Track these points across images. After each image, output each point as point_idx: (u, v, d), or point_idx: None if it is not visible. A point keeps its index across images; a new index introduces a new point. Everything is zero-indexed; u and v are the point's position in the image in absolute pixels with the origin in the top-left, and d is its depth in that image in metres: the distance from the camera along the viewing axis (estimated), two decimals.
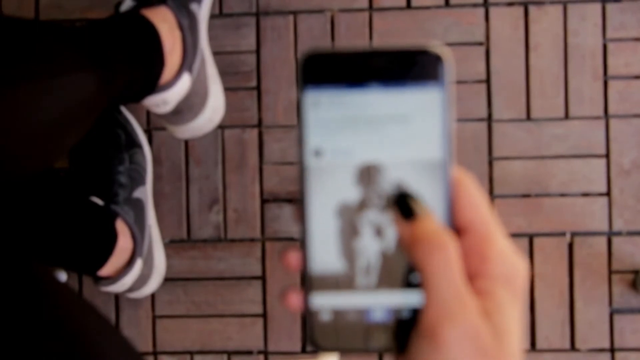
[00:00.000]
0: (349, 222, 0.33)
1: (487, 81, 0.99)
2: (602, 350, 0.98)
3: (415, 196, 0.33)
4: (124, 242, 0.89)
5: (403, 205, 0.32)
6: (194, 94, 0.86)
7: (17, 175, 0.61)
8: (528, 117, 0.98)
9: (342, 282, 0.33)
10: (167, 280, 1.01)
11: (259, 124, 1.00)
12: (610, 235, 0.98)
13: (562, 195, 0.98)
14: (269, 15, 1.00)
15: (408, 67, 0.32)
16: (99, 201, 0.90)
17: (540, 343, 0.98)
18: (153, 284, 0.98)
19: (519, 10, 0.99)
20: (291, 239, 1.00)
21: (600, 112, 0.98)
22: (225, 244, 1.01)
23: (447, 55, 0.32)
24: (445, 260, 0.31)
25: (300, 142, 0.33)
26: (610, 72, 0.98)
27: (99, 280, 0.89)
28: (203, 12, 0.89)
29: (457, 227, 0.33)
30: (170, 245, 1.01)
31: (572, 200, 0.98)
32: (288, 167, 1.00)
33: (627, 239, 0.98)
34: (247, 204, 1.00)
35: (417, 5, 0.99)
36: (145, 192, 0.96)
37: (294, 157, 0.99)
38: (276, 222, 1.00)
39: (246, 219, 1.00)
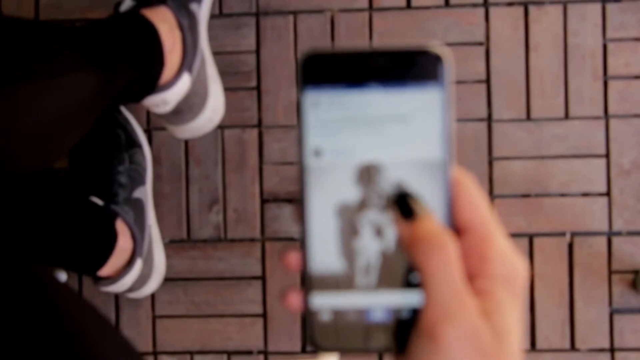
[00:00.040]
0: (349, 222, 0.33)
1: (487, 81, 0.99)
2: (602, 350, 0.98)
3: (415, 196, 0.33)
4: (124, 242, 0.89)
5: (403, 205, 0.32)
6: (193, 94, 0.86)
7: (17, 175, 0.61)
8: (528, 117, 0.98)
9: (342, 282, 0.33)
10: (167, 280, 1.01)
11: (259, 124, 1.00)
12: (610, 235, 0.98)
13: (562, 195, 0.98)
14: (269, 15, 1.00)
15: (408, 67, 0.32)
16: (99, 201, 0.90)
17: (540, 343, 0.98)
18: (153, 284, 0.98)
19: (519, 10, 0.99)
20: (291, 239, 1.00)
21: (600, 112, 0.98)
22: (225, 244, 1.01)
23: (447, 55, 0.32)
24: (445, 260, 0.31)
25: (300, 142, 0.33)
26: (610, 72, 0.98)
27: (99, 280, 0.89)
28: (203, 12, 0.89)
29: (457, 227, 0.33)
30: (170, 245, 1.01)
31: (572, 200, 0.98)
32: (288, 167, 1.00)
33: (627, 239, 0.98)
34: (247, 204, 1.00)
35: (417, 5, 0.99)
36: (145, 192, 0.96)
37: (294, 157, 0.99)
38: (276, 222, 1.00)
39: (246, 219, 1.00)
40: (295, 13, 1.00)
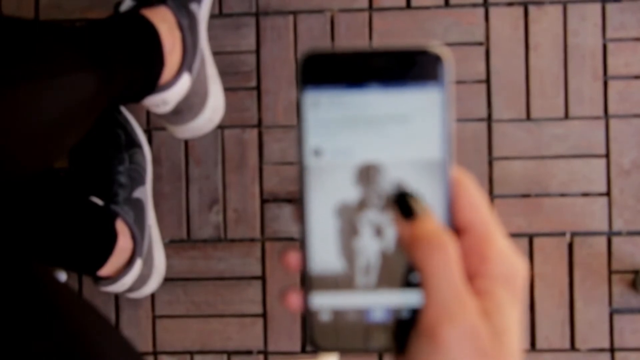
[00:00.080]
0: (349, 221, 0.33)
1: (487, 81, 0.99)
2: (602, 350, 0.98)
3: (415, 195, 0.33)
4: (123, 242, 0.89)
5: (403, 204, 0.32)
6: (193, 94, 0.86)
7: (17, 175, 0.61)
8: (528, 117, 0.98)
9: (342, 282, 0.33)
10: (167, 280, 1.01)
11: (259, 124, 1.00)
12: (610, 235, 0.98)
13: (562, 195, 0.98)
14: (268, 15, 1.00)
15: (408, 67, 0.32)
16: (99, 201, 0.90)
17: (540, 343, 0.98)
18: (153, 284, 0.98)
19: (519, 10, 0.99)
20: (291, 239, 1.00)
21: (600, 112, 0.98)
22: (225, 244, 1.01)
23: (447, 55, 0.32)
24: (444, 260, 0.31)
25: (299, 142, 0.33)
26: (610, 72, 0.98)
27: (98, 280, 0.89)
28: (203, 12, 0.89)
29: (456, 227, 0.33)
30: (170, 245, 1.01)
31: (572, 200, 0.98)
32: (288, 167, 1.00)
33: (627, 239, 0.98)
34: (247, 204, 1.00)
35: (417, 5, 0.99)
36: (145, 192, 0.96)
37: (294, 157, 0.99)
38: (276, 222, 1.00)
39: (246, 219, 1.00)
40: (295, 13, 1.00)
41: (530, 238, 0.98)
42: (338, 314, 0.33)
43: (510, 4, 0.99)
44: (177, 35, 0.81)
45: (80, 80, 0.63)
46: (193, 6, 0.86)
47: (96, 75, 0.65)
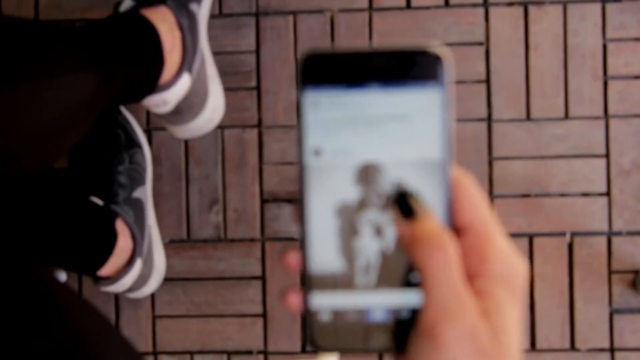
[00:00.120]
0: (349, 221, 0.33)
1: (487, 81, 0.99)
2: (602, 350, 0.98)
3: (416, 194, 0.33)
4: (123, 242, 0.89)
5: (403, 204, 0.32)
6: (193, 94, 0.86)
7: (17, 175, 0.61)
8: (528, 117, 0.98)
9: (342, 282, 0.33)
10: (167, 280, 1.01)
11: (259, 124, 1.00)
12: (610, 235, 0.98)
13: (562, 195, 0.98)
14: (268, 15, 1.00)
15: (408, 67, 0.32)
16: (98, 201, 0.90)
17: (540, 343, 0.98)
18: (153, 284, 0.98)
19: (519, 10, 0.99)
20: (291, 239, 1.00)
21: (600, 112, 0.98)
22: (225, 244, 1.01)
23: (447, 55, 0.32)
24: (444, 260, 0.31)
25: (299, 142, 0.33)
26: (610, 72, 0.98)
27: (98, 280, 0.89)
28: (203, 12, 0.89)
29: (456, 227, 0.33)
30: (170, 245, 1.01)
31: (572, 200, 0.98)
32: (288, 167, 1.00)
33: (627, 239, 0.98)
34: (247, 204, 1.00)
35: (417, 5, 0.99)
36: (145, 192, 0.96)
37: (294, 157, 0.99)
38: (276, 222, 1.00)
39: (246, 219, 1.00)
40: (295, 13, 1.00)
41: (530, 238, 0.98)
42: (338, 314, 0.33)
43: (510, 4, 0.99)
44: (177, 35, 0.81)
45: (80, 80, 0.63)
46: (193, 6, 0.86)
47: (96, 75, 0.65)
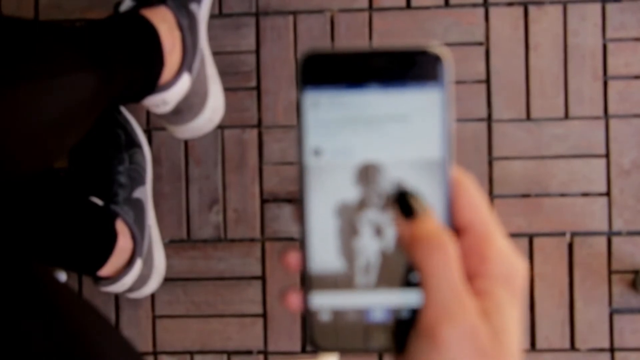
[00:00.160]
0: (349, 221, 0.33)
1: (487, 81, 0.99)
2: (602, 350, 0.98)
3: (416, 194, 0.33)
4: (123, 242, 0.89)
5: (403, 203, 0.32)
6: (193, 94, 0.86)
7: (17, 175, 0.61)
8: (528, 117, 0.98)
9: (342, 282, 0.33)
10: (167, 280, 1.01)
11: (259, 124, 1.00)
12: (610, 235, 0.98)
13: (562, 195, 0.98)
14: (268, 15, 1.00)
15: (407, 67, 0.32)
16: (98, 201, 0.90)
17: (540, 343, 0.98)
18: (153, 284, 0.98)
19: (519, 10, 0.99)
20: (291, 239, 1.00)
21: (600, 112, 0.98)
22: (225, 244, 1.01)
23: (447, 55, 0.32)
24: (444, 260, 0.31)
25: (299, 141, 0.33)
26: (610, 72, 0.98)
27: (99, 280, 0.89)
28: (203, 12, 0.89)
29: (456, 227, 0.33)
30: (170, 245, 1.01)
31: (572, 200, 0.98)
32: (288, 167, 1.00)
33: (627, 239, 0.98)
34: (247, 204, 1.00)
35: (417, 5, 0.99)
36: (145, 192, 0.96)
37: (294, 157, 0.99)
38: (276, 222, 1.00)
39: (246, 219, 1.00)
40: (295, 13, 1.00)
41: (530, 238, 0.98)
42: (338, 314, 0.33)
43: (510, 4, 0.99)
44: (177, 35, 0.81)
45: (80, 80, 0.63)
46: (193, 6, 0.86)
47: (96, 75, 0.65)
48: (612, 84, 0.98)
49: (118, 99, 0.73)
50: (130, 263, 0.90)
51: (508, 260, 0.32)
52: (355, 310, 0.33)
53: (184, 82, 0.82)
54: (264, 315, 1.01)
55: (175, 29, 0.81)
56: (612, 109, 0.98)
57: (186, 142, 1.01)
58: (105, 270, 0.88)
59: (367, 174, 0.33)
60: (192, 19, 0.85)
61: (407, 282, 0.33)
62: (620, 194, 0.98)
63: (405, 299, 0.33)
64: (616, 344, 0.97)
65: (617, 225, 0.98)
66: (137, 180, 0.95)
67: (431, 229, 0.32)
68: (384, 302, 0.33)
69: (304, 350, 1.00)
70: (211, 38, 0.96)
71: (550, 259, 0.98)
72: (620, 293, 0.98)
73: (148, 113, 1.01)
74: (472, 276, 0.32)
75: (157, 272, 0.98)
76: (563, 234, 0.98)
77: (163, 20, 0.79)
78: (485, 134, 0.99)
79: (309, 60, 0.33)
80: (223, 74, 0.97)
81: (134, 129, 0.97)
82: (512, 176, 0.98)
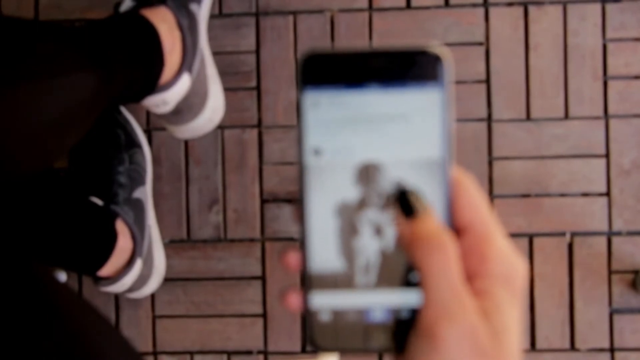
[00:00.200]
0: (349, 221, 0.33)
1: (487, 81, 0.99)
2: (602, 350, 0.98)
3: (417, 192, 0.33)
4: (123, 242, 0.89)
5: (404, 202, 0.32)
6: (193, 94, 0.86)
7: (17, 175, 0.61)
8: (528, 117, 0.98)
9: (342, 282, 0.33)
10: (167, 280, 1.01)
11: (259, 124, 1.00)
12: (610, 235, 0.98)
13: (562, 195, 0.98)
14: (268, 15, 1.00)
15: (407, 67, 0.32)
16: (98, 201, 0.90)
17: (540, 343, 0.98)
18: (153, 284, 0.98)
19: (519, 10, 0.99)
20: (291, 239, 1.00)
21: (600, 112, 0.98)
22: (225, 244, 1.01)
23: (447, 55, 0.32)
24: (444, 260, 0.31)
25: (299, 141, 0.33)
26: (610, 72, 0.98)
27: (98, 280, 0.89)
28: (203, 12, 0.89)
29: (456, 227, 0.33)
30: (170, 245, 1.01)
31: (572, 200, 0.98)
32: (288, 167, 1.00)
33: (627, 239, 0.98)
34: (247, 204, 1.00)
35: (417, 5, 0.99)
36: (145, 192, 0.96)
37: (294, 157, 0.99)
38: (276, 222, 1.00)
39: (246, 219, 1.00)
40: (295, 13, 1.00)
41: (530, 238, 0.98)
42: (338, 314, 0.33)
43: (510, 4, 0.99)
44: (177, 35, 0.81)
45: (80, 80, 0.63)
46: (193, 6, 0.86)
47: (96, 75, 0.65)
48: (612, 84, 0.98)
49: (118, 99, 0.74)
50: (130, 263, 0.90)
51: (508, 260, 0.32)
52: (355, 310, 0.33)
53: (184, 82, 0.82)
54: (264, 315, 1.01)
55: (175, 29, 0.81)
56: (612, 109, 0.98)
57: (186, 142, 1.01)
58: (105, 271, 0.88)
59: (367, 173, 0.33)
60: (192, 19, 0.85)
61: (407, 282, 0.33)
62: (620, 194, 0.98)
63: (405, 298, 0.33)
64: (616, 344, 0.97)
65: (617, 225, 0.98)
66: (137, 180, 0.95)
67: (431, 229, 0.32)
68: (384, 302, 0.33)
69: (304, 350, 1.00)
70: (211, 38, 0.96)
71: (550, 259, 0.98)
72: (620, 293, 0.98)
73: (148, 113, 1.01)
74: (472, 276, 0.32)
75: (157, 272, 0.98)
76: (563, 234, 0.98)
77: (163, 20, 0.79)
78: (485, 134, 0.99)
79: (309, 60, 0.33)
80: (223, 74, 0.97)
81: (134, 129, 0.97)
82: (512, 176, 0.98)
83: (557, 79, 0.98)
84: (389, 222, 0.33)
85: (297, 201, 0.33)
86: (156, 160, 1.01)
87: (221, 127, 0.99)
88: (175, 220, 1.01)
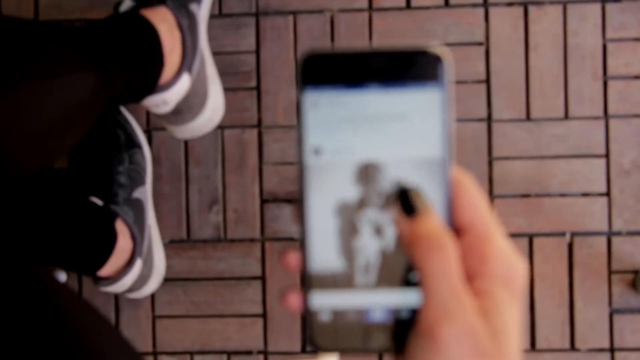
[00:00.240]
0: (349, 220, 0.33)
1: (487, 81, 0.99)
2: (602, 350, 0.98)
3: (418, 191, 0.33)
4: (123, 243, 0.89)
5: (405, 201, 0.32)
6: (193, 94, 0.86)
7: (17, 175, 0.61)
8: (528, 117, 0.98)
9: (342, 281, 0.33)
10: (167, 280, 1.01)
11: (259, 124, 1.00)
12: (610, 235, 0.98)
13: (562, 195, 0.98)
14: (268, 15, 1.00)
15: (407, 67, 0.32)
16: (98, 201, 0.90)
17: (540, 343, 0.98)
18: (153, 284, 0.98)
19: (519, 10, 0.99)
20: (291, 239, 1.00)
21: (600, 112, 0.98)
22: (225, 244, 1.01)
23: (447, 55, 0.32)
24: (444, 260, 0.31)
25: (299, 141, 0.33)
26: (610, 72, 0.98)
27: (98, 280, 0.89)
28: (203, 12, 0.89)
29: (456, 227, 0.33)
30: (170, 245, 1.01)
31: (572, 200, 0.98)
32: (288, 167, 1.00)
33: (627, 239, 0.98)
34: (246, 204, 1.00)
35: (417, 5, 0.99)
36: (145, 192, 0.96)
37: (294, 157, 0.99)
38: (276, 222, 1.00)
39: (246, 219, 1.00)
40: (295, 13, 1.00)
41: (530, 238, 0.98)
42: (338, 314, 0.33)
43: (510, 4, 0.99)
44: (177, 35, 0.81)
45: (80, 80, 0.63)
46: (193, 6, 0.86)
47: (96, 75, 0.65)
48: (612, 84, 0.98)
49: (118, 99, 0.74)
50: (130, 263, 0.90)
51: (508, 260, 0.32)
52: (355, 310, 0.33)
53: (184, 82, 0.82)
54: (264, 315, 1.01)
55: (175, 29, 0.81)
56: (612, 109, 0.98)
57: (186, 142, 1.01)
58: (105, 271, 0.88)
59: (367, 173, 0.33)
60: (192, 19, 0.85)
61: (407, 282, 0.33)
62: (620, 194, 0.98)
63: (405, 298, 0.33)
64: (616, 344, 0.97)
65: (617, 225, 0.98)
66: (137, 180, 0.95)
67: (432, 229, 0.32)
68: (384, 301, 0.33)
69: (304, 350, 1.00)
70: (211, 38, 0.96)
71: (550, 259, 0.98)
72: (620, 293, 0.98)
73: (148, 113, 1.01)
74: (472, 276, 0.32)
75: (157, 272, 0.98)
76: (563, 234, 0.98)
77: (163, 21, 0.79)
78: (485, 134, 0.99)
79: (309, 60, 0.33)
80: (223, 74, 0.97)
81: (134, 129, 0.97)
82: (512, 176, 0.98)
83: (557, 79, 0.98)
84: (389, 222, 0.33)
85: (297, 201, 0.33)
86: (156, 160, 1.01)
87: (221, 127, 0.99)
88: (175, 220, 1.01)
